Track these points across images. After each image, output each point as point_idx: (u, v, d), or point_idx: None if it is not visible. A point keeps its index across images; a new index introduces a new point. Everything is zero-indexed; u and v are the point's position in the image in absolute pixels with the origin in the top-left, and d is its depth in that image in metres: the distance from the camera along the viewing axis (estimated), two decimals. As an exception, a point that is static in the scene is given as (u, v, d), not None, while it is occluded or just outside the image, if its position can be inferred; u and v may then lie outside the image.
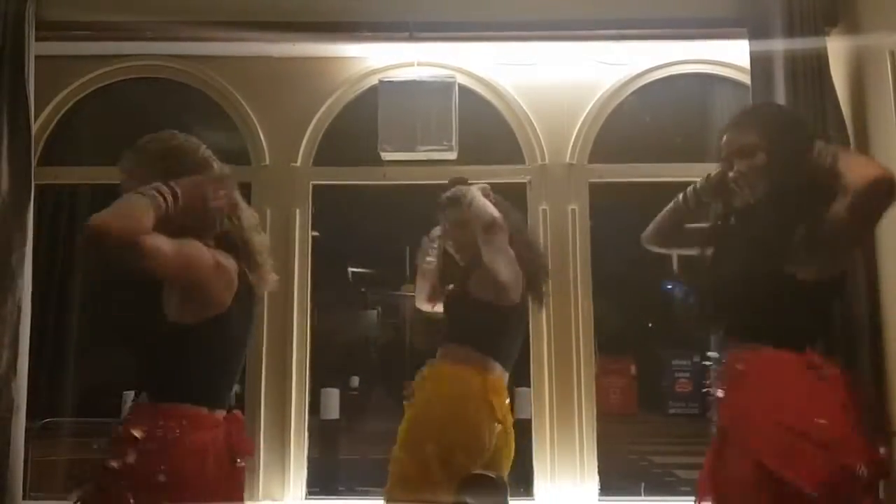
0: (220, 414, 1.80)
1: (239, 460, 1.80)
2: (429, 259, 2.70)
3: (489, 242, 2.36)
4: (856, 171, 1.74)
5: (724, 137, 2.00)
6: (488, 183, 2.53)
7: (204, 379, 1.79)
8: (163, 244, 1.63)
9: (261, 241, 1.89)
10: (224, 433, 1.78)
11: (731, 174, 1.97)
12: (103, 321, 3.96)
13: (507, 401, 2.43)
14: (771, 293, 1.84)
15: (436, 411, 2.33)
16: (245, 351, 1.91)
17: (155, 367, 1.78)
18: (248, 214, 1.90)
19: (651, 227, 2.23)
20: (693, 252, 2.15)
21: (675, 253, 2.33)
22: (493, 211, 2.40)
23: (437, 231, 2.68)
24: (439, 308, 2.64)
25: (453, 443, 2.25)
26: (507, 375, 2.45)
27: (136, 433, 1.67)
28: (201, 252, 1.73)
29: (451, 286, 2.60)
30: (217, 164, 1.87)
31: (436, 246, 2.67)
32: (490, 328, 2.39)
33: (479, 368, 2.36)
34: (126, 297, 1.83)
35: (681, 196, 2.15)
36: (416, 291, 2.75)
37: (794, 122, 2.01)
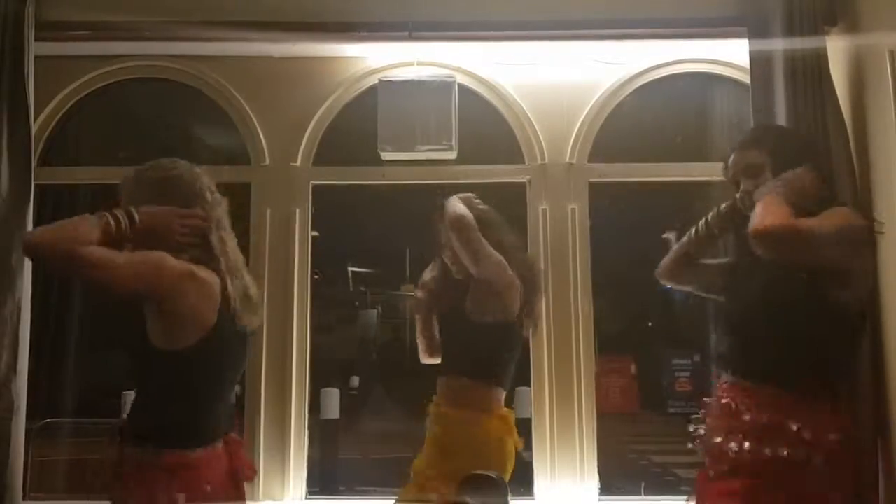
0: (220, 444, 1.80)
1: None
2: (419, 304, 2.63)
3: (459, 241, 2.35)
4: (754, 217, 1.74)
5: (731, 158, 1.99)
6: (488, 182, 2.53)
7: (206, 416, 1.78)
8: (111, 254, 1.62)
9: (244, 283, 1.85)
10: (227, 460, 1.78)
11: (737, 194, 1.95)
12: (102, 327, 3.96)
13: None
14: (792, 320, 1.79)
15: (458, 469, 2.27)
16: (239, 374, 1.90)
17: (157, 409, 1.75)
18: (233, 257, 1.86)
19: (665, 261, 2.21)
20: (708, 293, 2.13)
21: (689, 289, 2.29)
22: (459, 209, 2.37)
23: (427, 274, 2.66)
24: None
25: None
26: (504, 393, 2.45)
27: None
28: (165, 260, 1.70)
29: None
30: (212, 197, 1.85)
31: (426, 291, 2.64)
32: (487, 350, 2.37)
33: (486, 407, 2.35)
34: (115, 335, 1.83)
35: (693, 230, 2.14)
36: (419, 347, 2.71)
37: (799, 142, 2.01)
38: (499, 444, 2.33)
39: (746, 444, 1.79)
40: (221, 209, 1.87)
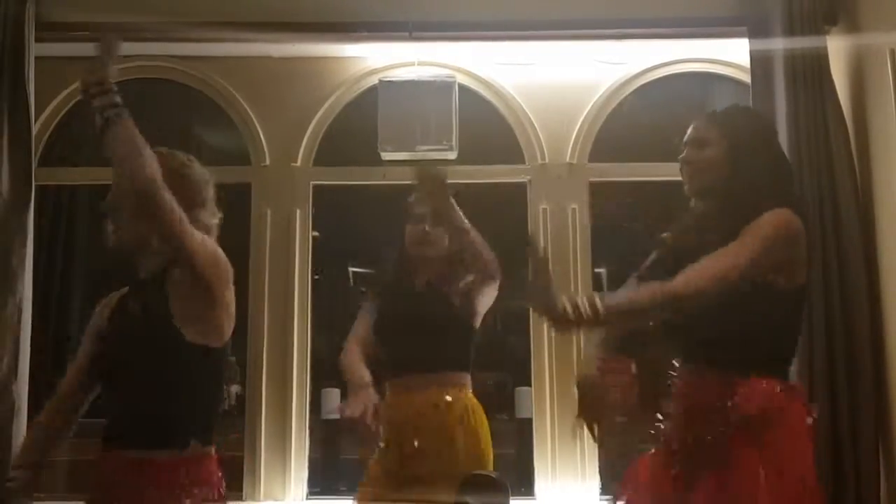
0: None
1: None
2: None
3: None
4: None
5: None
6: (488, 182, 2.50)
7: (216, 416, 1.79)
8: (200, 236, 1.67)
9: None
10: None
11: (679, 157, 1.97)
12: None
13: None
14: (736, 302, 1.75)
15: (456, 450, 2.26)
16: None
17: (199, 408, 1.73)
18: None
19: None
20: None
21: None
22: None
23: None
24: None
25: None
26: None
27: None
28: (219, 250, 1.74)
29: None
30: (212, 207, 1.80)
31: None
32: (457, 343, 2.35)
33: (462, 385, 2.34)
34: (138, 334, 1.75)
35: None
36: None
37: (757, 125, 1.97)
38: (478, 416, 2.31)
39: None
40: (216, 220, 1.84)
